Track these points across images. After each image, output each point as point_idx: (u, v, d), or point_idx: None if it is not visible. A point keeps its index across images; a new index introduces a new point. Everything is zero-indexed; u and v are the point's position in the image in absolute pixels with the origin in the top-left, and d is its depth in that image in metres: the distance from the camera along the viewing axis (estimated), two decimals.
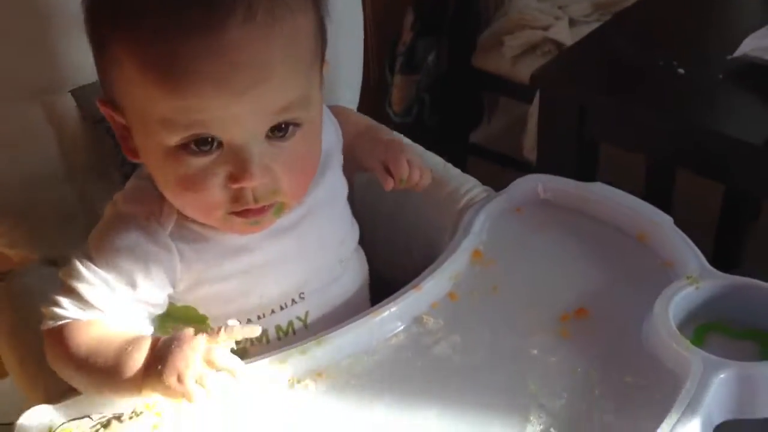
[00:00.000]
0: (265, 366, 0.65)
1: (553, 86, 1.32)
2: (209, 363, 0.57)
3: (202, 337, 0.58)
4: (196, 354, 0.57)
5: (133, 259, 0.65)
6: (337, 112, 0.83)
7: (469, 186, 0.86)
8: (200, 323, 0.70)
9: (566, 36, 1.64)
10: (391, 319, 0.70)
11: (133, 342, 0.60)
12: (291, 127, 0.62)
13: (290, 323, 0.73)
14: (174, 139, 0.59)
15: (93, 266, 0.64)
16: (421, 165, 0.77)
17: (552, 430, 0.59)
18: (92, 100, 0.80)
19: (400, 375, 0.66)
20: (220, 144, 0.60)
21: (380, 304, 0.70)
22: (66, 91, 0.81)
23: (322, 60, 0.66)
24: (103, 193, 0.82)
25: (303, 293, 0.72)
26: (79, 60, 0.80)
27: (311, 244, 0.72)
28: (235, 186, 0.61)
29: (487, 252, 0.77)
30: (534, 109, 1.57)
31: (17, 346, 0.73)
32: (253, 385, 0.64)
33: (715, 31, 1.35)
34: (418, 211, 0.88)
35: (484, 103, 1.92)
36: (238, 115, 0.58)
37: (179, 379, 0.56)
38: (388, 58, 1.76)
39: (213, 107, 0.58)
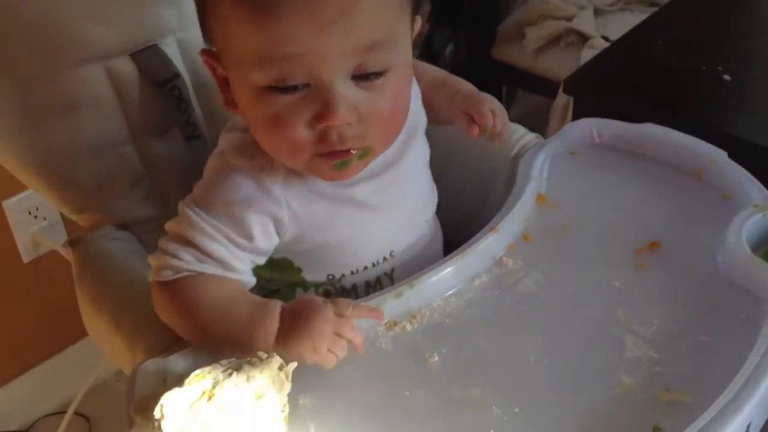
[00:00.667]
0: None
1: (587, 93, 1.22)
2: (338, 333, 0.60)
3: (331, 309, 0.61)
4: (329, 325, 0.60)
5: (250, 212, 0.66)
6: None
7: (520, 134, 0.89)
8: (295, 275, 0.72)
9: (591, 27, 1.59)
10: (474, 261, 0.72)
11: (263, 308, 0.62)
12: (378, 70, 0.62)
13: (378, 279, 0.75)
14: (263, 78, 0.60)
15: (210, 218, 0.65)
16: (503, 115, 0.79)
17: (651, 353, 0.62)
18: (153, 64, 0.81)
19: (491, 312, 0.68)
20: (307, 84, 0.60)
21: (462, 247, 0.73)
22: (126, 54, 0.81)
23: (414, 11, 0.67)
24: (166, 155, 0.83)
25: (393, 251, 0.74)
26: (138, 23, 0.81)
27: (405, 203, 0.74)
28: (320, 125, 0.62)
29: (550, 195, 0.80)
30: (557, 106, 1.53)
31: (106, 309, 0.73)
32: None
33: (763, 32, 1.27)
34: (467, 162, 0.91)
35: (502, 95, 1.84)
36: (322, 49, 0.59)
37: (315, 350, 0.60)
38: None
39: (298, 39, 0.58)
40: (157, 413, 0.55)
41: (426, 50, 1.69)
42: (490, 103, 0.78)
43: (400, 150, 0.73)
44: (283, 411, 0.58)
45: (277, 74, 0.60)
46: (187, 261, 0.63)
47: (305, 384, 0.61)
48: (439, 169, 0.90)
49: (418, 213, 0.77)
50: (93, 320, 0.75)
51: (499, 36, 1.71)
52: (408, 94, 0.68)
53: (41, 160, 0.78)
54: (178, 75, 0.82)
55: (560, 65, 1.55)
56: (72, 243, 0.80)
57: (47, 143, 0.78)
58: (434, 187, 0.81)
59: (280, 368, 0.59)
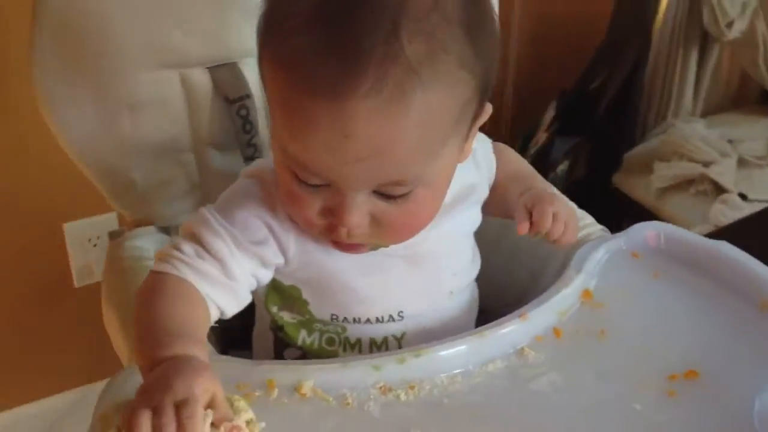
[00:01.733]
0: (360, 367, 0.65)
1: None
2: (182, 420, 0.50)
3: (198, 407, 0.51)
4: (187, 403, 0.50)
5: (260, 222, 0.66)
6: (498, 150, 0.81)
7: (587, 222, 0.84)
8: (302, 307, 0.70)
9: (730, 179, 1.43)
10: (492, 344, 0.68)
11: (179, 338, 0.57)
12: (399, 194, 0.60)
13: (385, 339, 0.72)
14: (288, 166, 0.60)
15: (221, 219, 0.64)
16: (569, 221, 0.74)
17: None
18: (227, 80, 0.82)
19: (495, 403, 0.64)
20: (328, 185, 0.59)
21: (483, 327, 0.69)
22: (204, 67, 0.82)
23: (478, 112, 0.63)
24: (223, 170, 0.84)
25: (402, 312, 0.71)
26: (223, 41, 0.82)
27: (421, 270, 0.71)
28: (333, 220, 0.61)
29: (597, 293, 0.74)
30: None
31: (117, 306, 0.74)
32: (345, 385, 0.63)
33: None
34: (523, 240, 0.86)
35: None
36: (345, 177, 0.58)
37: (155, 410, 0.50)
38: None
39: (322, 164, 0.57)
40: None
41: (539, 159, 1.55)
42: (557, 205, 0.73)
43: (438, 215, 0.69)
44: None
45: (299, 172, 0.59)
46: (187, 254, 0.62)
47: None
48: (491, 241, 0.87)
49: (442, 281, 0.73)
50: (107, 315, 0.76)
51: (624, 163, 1.57)
52: (436, 206, 0.66)
53: (103, 150, 0.80)
54: (249, 95, 0.83)
55: (686, 213, 1.41)
56: (112, 235, 0.81)
57: (113, 136, 0.80)
58: (474, 258, 0.77)
59: (248, 422, 0.56)
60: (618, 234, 0.81)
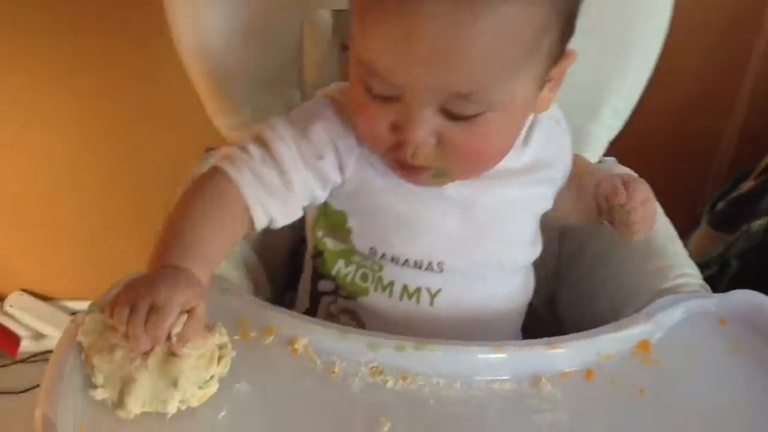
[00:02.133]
0: (357, 342, 0.61)
1: None
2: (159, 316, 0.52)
3: (169, 317, 0.53)
4: (163, 301, 0.53)
5: (325, 138, 0.65)
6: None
7: (686, 271, 0.74)
8: (345, 236, 0.69)
9: None
10: (508, 363, 0.62)
11: (188, 252, 0.58)
12: (467, 115, 0.58)
13: (418, 290, 0.69)
14: (362, 78, 0.59)
15: (291, 128, 0.65)
16: (647, 199, 0.69)
17: None
18: (346, 25, 0.81)
19: (483, 422, 0.58)
20: (399, 99, 0.58)
21: (505, 342, 0.63)
22: (331, 9, 0.82)
23: (555, 51, 0.60)
24: None
25: (442, 264, 0.68)
26: None
27: (470, 225, 0.68)
28: (400, 136, 0.59)
29: (657, 349, 0.65)
30: None
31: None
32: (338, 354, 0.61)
33: None
34: (617, 269, 0.79)
35: None
36: (410, 83, 0.56)
37: (132, 308, 0.52)
38: (715, 194, 1.34)
39: (390, 67, 0.56)
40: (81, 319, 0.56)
41: (738, 205, 1.31)
42: (629, 178, 0.70)
43: (505, 177, 0.67)
44: (201, 386, 0.55)
45: (370, 83, 0.59)
46: (253, 157, 0.63)
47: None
48: (593, 259, 0.83)
49: (490, 246, 0.70)
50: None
51: None
52: (506, 138, 0.63)
53: (218, 61, 0.81)
54: None
55: None
56: (207, 149, 0.83)
57: (230, 50, 0.80)
58: (533, 242, 0.73)
59: (220, 347, 0.56)
60: (714, 294, 0.71)
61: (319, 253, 0.72)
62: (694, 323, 0.68)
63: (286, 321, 0.63)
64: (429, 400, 0.59)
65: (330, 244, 0.71)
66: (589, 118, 0.88)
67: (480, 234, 0.69)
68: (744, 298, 0.69)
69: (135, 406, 0.53)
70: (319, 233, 0.71)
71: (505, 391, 0.61)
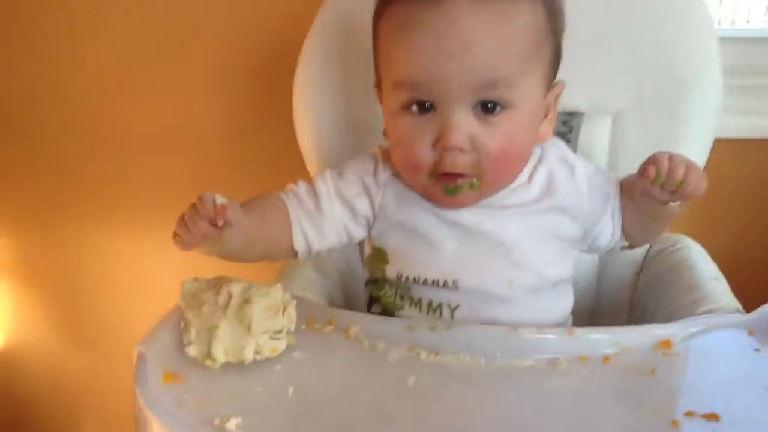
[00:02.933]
0: (398, 325, 0.73)
1: None
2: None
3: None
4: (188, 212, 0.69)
5: (359, 181, 0.81)
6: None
7: (722, 302, 0.80)
8: (383, 266, 0.81)
9: None
10: (528, 344, 0.70)
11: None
12: (498, 107, 0.71)
13: (440, 305, 0.78)
14: (398, 101, 0.73)
15: (332, 173, 0.81)
16: (691, 165, 0.73)
17: None
18: None
19: (498, 387, 0.66)
20: (434, 107, 0.71)
21: (527, 326, 0.71)
22: None
23: (549, 68, 0.74)
24: None
25: (457, 282, 0.77)
26: None
27: (480, 246, 0.78)
28: (439, 146, 0.72)
29: (678, 346, 0.70)
30: None
31: None
32: (382, 337, 0.72)
33: None
34: (661, 297, 0.85)
35: None
36: (445, 78, 0.69)
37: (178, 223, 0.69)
38: None
39: (426, 67, 0.70)
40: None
41: None
42: (671, 153, 0.75)
43: (514, 205, 0.78)
44: (272, 336, 0.68)
45: (408, 97, 0.73)
46: (300, 189, 0.80)
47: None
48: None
49: (501, 266, 0.78)
50: None
51: None
52: (525, 139, 0.75)
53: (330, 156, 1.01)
54: None
55: None
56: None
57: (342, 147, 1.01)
58: (549, 264, 0.80)
59: (284, 301, 0.70)
60: (745, 314, 0.75)
61: (371, 281, 0.84)
62: (720, 331, 0.73)
63: (343, 314, 0.76)
64: (453, 370, 0.68)
65: (378, 273, 0.83)
66: None
67: (488, 256, 0.77)
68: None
69: (219, 353, 0.66)
70: (372, 264, 0.84)
71: (524, 367, 0.68)
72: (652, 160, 0.74)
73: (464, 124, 0.71)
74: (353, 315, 0.77)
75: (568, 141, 0.98)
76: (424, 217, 0.78)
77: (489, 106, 0.71)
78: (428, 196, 0.78)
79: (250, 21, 1.26)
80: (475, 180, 0.74)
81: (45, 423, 1.62)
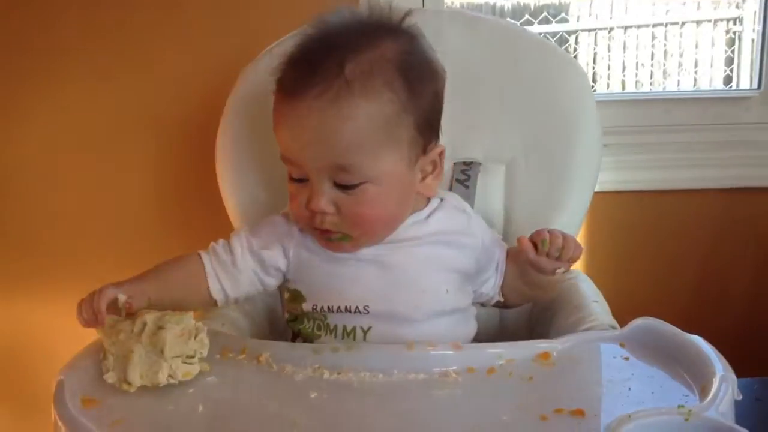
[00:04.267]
0: (304, 350, 0.80)
1: None
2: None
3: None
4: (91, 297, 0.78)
5: (273, 229, 0.90)
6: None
7: (600, 319, 0.88)
8: (301, 303, 0.89)
9: None
10: (421, 360, 0.77)
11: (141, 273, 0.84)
12: (350, 184, 0.81)
13: (354, 328, 0.86)
14: (287, 169, 0.85)
15: (247, 231, 0.91)
16: (567, 235, 0.86)
17: None
18: None
19: (392, 396, 0.72)
20: (308, 179, 0.82)
21: (419, 342, 0.79)
22: None
23: (412, 142, 0.83)
24: None
25: (367, 307, 0.86)
26: None
27: (386, 275, 0.87)
28: (308, 209, 0.82)
29: (555, 358, 0.78)
30: None
31: None
32: (290, 361, 0.78)
33: None
34: (547, 317, 0.97)
35: None
36: (304, 161, 0.81)
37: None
38: None
39: (290, 149, 0.82)
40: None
41: None
42: (548, 228, 0.87)
43: (413, 240, 0.87)
44: (185, 360, 0.73)
45: (288, 167, 0.84)
46: (218, 246, 0.90)
47: None
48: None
49: (408, 292, 0.86)
50: None
51: None
52: (389, 205, 0.84)
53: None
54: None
55: None
56: None
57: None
58: (452, 292, 0.89)
59: (195, 327, 0.76)
60: (618, 328, 0.84)
61: (290, 319, 0.92)
62: (594, 343, 0.81)
63: (255, 343, 0.83)
64: (353, 385, 0.74)
65: (296, 310, 0.91)
66: None
67: (393, 284, 0.86)
68: (641, 323, 0.81)
69: (134, 377, 0.71)
70: (290, 305, 0.92)
71: (417, 380, 0.75)
72: (533, 235, 0.86)
73: (326, 192, 0.82)
74: (264, 343, 0.83)
75: (467, 187, 1.08)
76: (335, 257, 0.87)
77: (345, 183, 0.81)
78: (314, 237, 0.88)
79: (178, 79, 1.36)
80: (342, 235, 0.84)
81: None
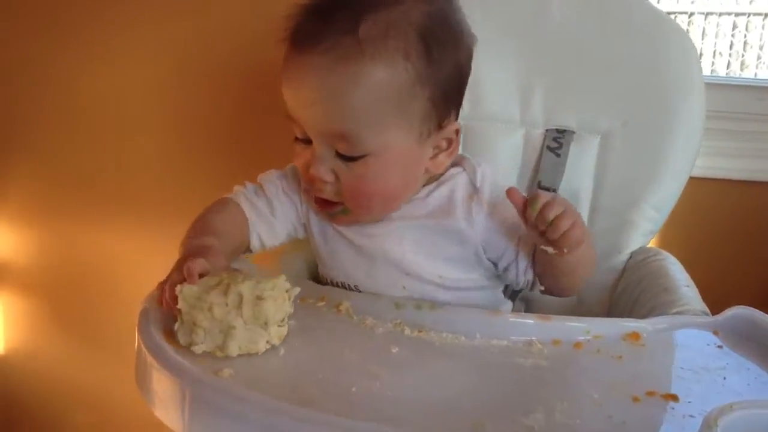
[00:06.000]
0: (387, 302, 0.78)
1: None
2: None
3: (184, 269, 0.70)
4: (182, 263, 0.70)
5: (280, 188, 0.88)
6: None
7: (691, 304, 0.84)
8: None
9: None
10: (506, 327, 0.75)
11: (205, 234, 0.78)
12: (350, 156, 0.76)
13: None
14: (292, 128, 0.80)
15: (278, 174, 0.89)
16: (570, 212, 0.74)
17: None
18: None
19: (473, 360, 0.70)
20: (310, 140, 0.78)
21: (504, 311, 0.76)
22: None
23: (426, 116, 0.77)
24: None
25: (357, 287, 0.85)
26: None
27: (371, 256, 0.84)
28: (309, 171, 0.78)
29: (646, 339, 0.75)
30: None
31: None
32: (371, 313, 0.77)
33: None
34: (631, 298, 0.93)
35: None
36: (305, 122, 0.76)
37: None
38: None
39: (293, 108, 0.77)
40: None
41: None
42: (556, 195, 0.75)
43: (399, 222, 0.84)
44: (279, 324, 0.70)
45: (292, 126, 0.79)
46: (248, 190, 0.86)
47: None
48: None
49: (393, 274, 0.83)
50: None
51: None
52: (391, 180, 0.79)
53: None
54: None
55: None
56: None
57: None
58: (445, 276, 0.83)
59: (287, 290, 0.72)
60: (712, 317, 0.80)
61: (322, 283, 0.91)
62: (686, 329, 0.78)
63: (334, 291, 0.82)
64: (434, 344, 0.73)
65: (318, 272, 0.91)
66: (630, 209, 1.04)
67: (378, 263, 0.83)
68: (737, 312, 0.78)
69: (234, 349, 0.68)
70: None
71: (501, 345, 0.73)
72: (532, 195, 0.74)
73: (326, 159, 0.77)
74: (344, 292, 0.82)
75: (558, 156, 1.04)
76: (326, 227, 0.86)
77: (346, 153, 0.76)
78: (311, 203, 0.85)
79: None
80: (343, 207, 0.81)
81: (37, 422, 1.64)
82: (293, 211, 0.87)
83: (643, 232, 1.04)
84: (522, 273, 0.84)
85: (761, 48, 2.66)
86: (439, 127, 0.79)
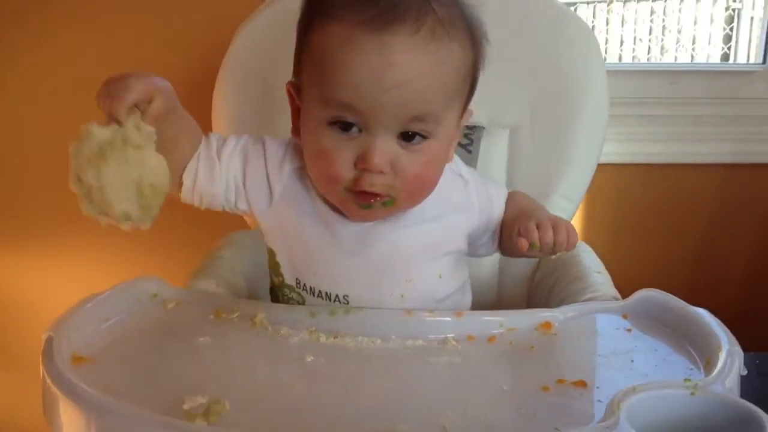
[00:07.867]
0: (301, 312, 0.77)
1: None
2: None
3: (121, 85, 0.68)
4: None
5: (274, 152, 0.82)
6: (512, 194, 0.90)
7: (602, 290, 0.86)
8: (277, 268, 0.84)
9: None
10: (420, 326, 0.75)
11: None
12: (419, 137, 0.73)
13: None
14: (326, 114, 0.72)
15: (252, 138, 0.83)
16: (557, 224, 0.76)
17: None
18: None
19: (388, 361, 0.71)
20: (360, 130, 0.72)
21: (419, 309, 0.77)
22: None
23: (466, 101, 0.77)
24: None
25: (347, 297, 0.80)
26: None
27: (369, 265, 0.80)
28: (361, 166, 0.72)
29: (557, 328, 0.77)
30: None
31: None
32: (285, 323, 0.76)
33: None
34: (547, 287, 0.94)
35: None
36: (379, 108, 0.70)
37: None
38: None
39: (363, 93, 0.69)
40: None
41: None
42: (537, 216, 0.78)
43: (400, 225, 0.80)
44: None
45: (335, 115, 0.72)
46: (213, 135, 0.82)
47: None
48: None
49: (393, 283, 0.80)
50: None
51: None
52: (440, 166, 0.78)
53: None
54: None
55: None
56: None
57: None
58: (445, 278, 0.82)
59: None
60: (620, 300, 0.82)
61: (272, 287, 0.87)
62: (597, 315, 0.79)
63: (248, 304, 0.80)
64: (350, 350, 0.73)
65: (275, 279, 0.85)
66: (542, 200, 1.05)
67: (379, 272, 0.79)
68: (644, 294, 0.80)
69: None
70: (271, 269, 0.86)
71: (415, 346, 0.73)
72: (523, 232, 0.76)
73: (387, 148, 0.72)
74: (258, 304, 0.81)
75: (469, 152, 1.06)
76: (309, 225, 0.80)
77: (410, 134, 0.73)
78: (340, 206, 0.78)
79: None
80: (388, 199, 0.75)
81: None
82: (243, 162, 0.81)
83: None
84: (489, 249, 0.88)
85: (679, 32, 2.74)
86: (465, 109, 0.79)
